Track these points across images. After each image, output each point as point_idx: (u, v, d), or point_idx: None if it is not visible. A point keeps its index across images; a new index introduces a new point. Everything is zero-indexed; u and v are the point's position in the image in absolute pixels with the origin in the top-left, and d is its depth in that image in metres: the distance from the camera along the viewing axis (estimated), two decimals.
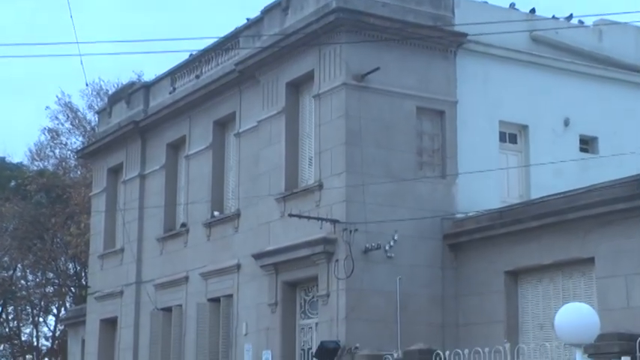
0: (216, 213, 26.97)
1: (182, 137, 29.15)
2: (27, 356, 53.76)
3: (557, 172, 23.65)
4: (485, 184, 23.00)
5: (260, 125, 25.08)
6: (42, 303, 52.68)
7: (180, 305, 27.92)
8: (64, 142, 50.07)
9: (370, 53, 22.43)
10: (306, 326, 23.23)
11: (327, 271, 21.84)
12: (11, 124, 74.11)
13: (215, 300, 26.27)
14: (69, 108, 49.23)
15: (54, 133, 49.89)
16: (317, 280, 22.23)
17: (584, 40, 25.78)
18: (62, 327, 48.00)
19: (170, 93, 30.12)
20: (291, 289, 23.49)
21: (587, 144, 25.40)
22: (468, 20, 23.30)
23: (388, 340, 21.16)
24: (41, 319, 53.96)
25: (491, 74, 24.04)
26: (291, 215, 22.61)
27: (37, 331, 53.73)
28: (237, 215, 25.91)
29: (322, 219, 21.88)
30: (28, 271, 51.39)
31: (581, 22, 26.23)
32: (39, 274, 51.07)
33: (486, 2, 24.69)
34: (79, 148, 41.89)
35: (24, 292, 51.85)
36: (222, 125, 27.64)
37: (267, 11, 25.32)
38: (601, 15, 25.15)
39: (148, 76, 40.20)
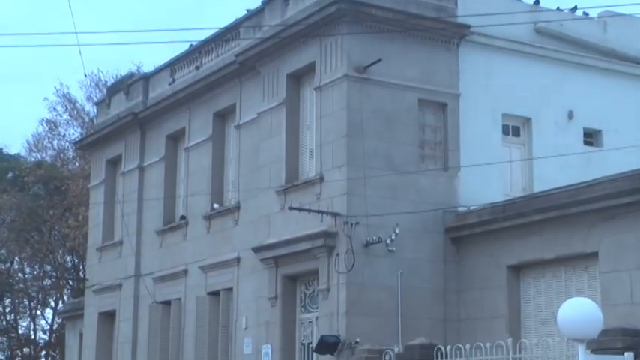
0: (215, 205, 26.98)
1: (182, 129, 29.14)
2: (24, 349, 53.81)
3: (560, 166, 23.64)
4: (487, 177, 23.00)
5: (260, 117, 25.07)
6: (40, 296, 52.72)
7: (180, 298, 27.95)
8: (62, 134, 50.11)
9: (372, 45, 22.41)
10: (306, 320, 23.25)
11: (327, 264, 21.86)
12: (9, 114, 74.13)
13: (214, 293, 26.29)
14: (67, 99, 49.23)
15: (52, 125, 49.89)
16: (317, 273, 22.25)
17: (588, 32, 25.76)
18: (60, 320, 48.04)
19: (170, 84, 30.11)
20: (292, 283, 23.51)
21: (591, 137, 25.40)
22: (471, 12, 23.28)
23: (389, 335, 21.19)
24: (39, 312, 54.04)
25: (494, 66, 24.02)
26: (291, 208, 22.62)
27: (35, 324, 53.79)
28: (237, 208, 25.92)
29: (323, 212, 21.89)
30: (25, 263, 51.43)
31: (585, 13, 26.22)
32: (36, 266, 51.11)
33: None
34: (77, 140, 41.85)
35: (21, 285, 51.88)
36: (222, 117, 27.64)
37: (267, 2, 25.30)
38: (606, 7, 25.09)
39: (148, 67, 40.20)
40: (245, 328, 24.84)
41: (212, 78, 27.26)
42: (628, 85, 25.86)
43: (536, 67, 24.59)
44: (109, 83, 42.82)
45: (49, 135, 50.53)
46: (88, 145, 34.87)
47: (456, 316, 22.14)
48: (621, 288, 18.70)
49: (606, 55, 25.80)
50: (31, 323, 53.81)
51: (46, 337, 53.89)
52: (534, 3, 25.29)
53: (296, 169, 23.89)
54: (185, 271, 27.77)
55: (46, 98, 49.52)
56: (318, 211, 21.98)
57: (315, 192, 22.60)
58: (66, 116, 49.45)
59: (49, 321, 53.53)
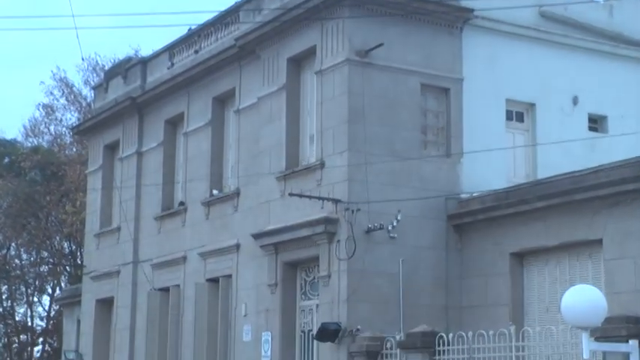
0: (215, 192, 27.00)
1: (180, 114, 29.14)
2: (21, 336, 53.92)
3: (564, 152, 23.64)
4: (491, 163, 23.01)
5: (260, 102, 25.06)
6: (36, 282, 52.79)
7: (178, 285, 27.99)
8: (59, 118, 50.08)
9: (374, 28, 22.38)
10: (306, 307, 23.29)
11: (328, 251, 21.89)
12: (5, 99, 74.13)
13: (214, 280, 26.34)
14: (64, 83, 49.19)
15: (49, 109, 49.86)
16: (318, 260, 22.28)
17: (594, 16, 25.70)
18: (57, 307, 48.14)
19: (168, 68, 30.09)
20: (292, 270, 23.55)
21: (596, 123, 25.39)
22: None
23: (390, 323, 21.23)
24: (36, 299, 54.10)
25: (498, 51, 23.99)
26: (291, 194, 22.63)
27: (32, 311, 53.87)
28: (236, 194, 25.94)
29: (324, 198, 21.91)
30: (22, 249, 51.48)
31: None
32: (33, 252, 51.16)
33: None
34: (74, 125, 41.88)
35: (18, 272, 51.95)
36: (222, 101, 27.63)
37: None
38: None
39: (146, 51, 40.19)
40: (245, 316, 24.89)
41: (211, 62, 27.23)
42: (634, 70, 25.84)
43: (541, 52, 24.56)
44: (106, 67, 42.76)
45: (46, 120, 50.54)
46: (86, 130, 34.87)
47: (458, 303, 22.18)
48: (626, 275, 18.73)
49: (612, 39, 25.76)
50: (28, 310, 53.91)
51: (43, 324, 53.98)
52: None
53: (296, 154, 23.89)
54: (184, 258, 27.82)
55: (42, 82, 49.46)
56: (319, 198, 22.00)
57: (315, 178, 22.61)
58: (63, 101, 49.45)
59: (46, 308, 53.65)
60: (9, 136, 53.62)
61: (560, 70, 24.71)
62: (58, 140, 50.00)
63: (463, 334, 18.79)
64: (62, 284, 50.12)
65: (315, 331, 22.02)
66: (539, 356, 18.14)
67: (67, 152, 48.80)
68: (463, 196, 22.62)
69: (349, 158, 21.77)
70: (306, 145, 23.81)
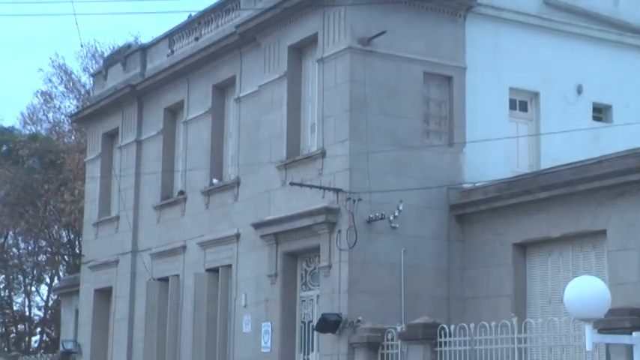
0: (215, 181, 27.01)
1: (180, 102, 29.13)
2: (19, 326, 54.04)
3: (568, 142, 23.62)
4: (493, 153, 23.00)
5: (261, 90, 25.05)
6: (34, 272, 52.90)
7: (178, 275, 28.02)
8: (57, 106, 50.13)
9: (376, 16, 22.36)
10: (307, 298, 23.32)
11: (329, 241, 21.90)
12: (3, 86, 74.11)
13: (213, 270, 26.36)
14: (63, 70, 49.22)
15: (47, 97, 49.90)
16: (319, 250, 22.29)
17: (599, 4, 25.67)
18: (55, 296, 48.24)
19: (168, 56, 30.07)
20: (292, 260, 23.57)
21: (601, 112, 25.37)
22: None
23: (391, 314, 21.25)
24: (33, 289, 54.23)
25: (501, 39, 23.97)
26: (292, 184, 22.64)
27: (30, 301, 54.01)
28: (236, 183, 25.94)
29: (325, 188, 21.91)
30: (19, 238, 51.59)
31: None
32: (31, 241, 51.25)
33: None
34: (73, 112, 41.87)
35: (16, 261, 52.05)
36: (222, 90, 27.62)
37: None
38: None
39: (145, 38, 40.27)
40: (244, 306, 24.92)
41: (212, 49, 27.21)
42: None
43: (545, 40, 24.53)
44: (105, 54, 42.76)
45: (44, 107, 50.59)
46: (84, 117, 34.86)
47: (460, 294, 22.20)
48: (630, 267, 18.74)
49: (618, 27, 25.71)
50: (26, 300, 54.06)
51: (40, 313, 54.13)
52: None
53: (297, 143, 23.89)
54: (183, 248, 27.84)
55: (40, 69, 49.61)
56: (320, 187, 22.00)
57: (316, 167, 22.61)
58: (61, 88, 49.51)
59: (44, 297, 53.79)
60: (7, 124, 53.80)
61: (564, 59, 24.68)
62: (57, 128, 50.06)
63: (465, 325, 18.82)
64: (60, 274, 50.21)
65: (315, 322, 22.05)
66: (542, 348, 18.19)
67: (65, 140, 48.85)
68: (465, 186, 22.62)
69: (351, 147, 21.76)
70: (307, 133, 23.80)
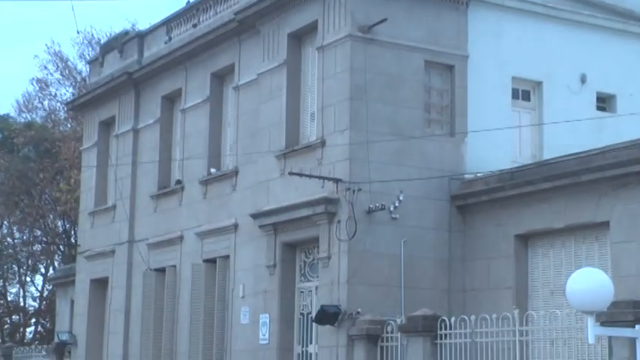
0: (213, 170, 27.01)
1: (178, 90, 29.12)
2: (13, 317, 54.08)
3: (571, 132, 23.62)
4: (496, 143, 23.00)
5: (260, 78, 25.04)
6: (29, 262, 52.93)
7: (175, 266, 28.05)
8: (53, 93, 50.10)
9: (377, 3, 22.34)
10: (305, 289, 23.35)
11: (328, 232, 21.92)
12: None
13: (211, 261, 26.39)
14: (59, 57, 49.17)
15: (43, 84, 49.87)
16: (318, 241, 22.31)
17: None
18: (50, 287, 48.28)
19: (166, 43, 30.05)
20: (291, 251, 23.60)
21: (605, 102, 25.37)
22: None
23: (391, 305, 21.28)
24: (28, 279, 54.31)
25: (504, 27, 23.95)
26: (291, 173, 22.64)
27: (24, 291, 54.08)
28: (235, 172, 25.95)
29: (324, 178, 21.92)
30: (14, 228, 51.59)
31: None
32: (26, 231, 51.27)
33: None
34: (69, 100, 41.86)
35: (10, 251, 52.07)
36: (220, 78, 27.60)
37: None
38: None
39: (143, 25, 40.18)
40: (242, 297, 24.95)
41: (210, 37, 27.19)
42: None
43: (549, 29, 24.51)
44: (102, 41, 42.73)
45: (40, 95, 50.55)
46: (81, 105, 34.84)
47: (460, 286, 22.23)
48: (633, 259, 18.75)
49: (622, 16, 25.69)
50: (21, 290, 54.11)
51: (35, 304, 54.17)
52: None
53: (297, 132, 23.89)
54: (180, 238, 27.86)
55: (36, 56, 49.53)
56: (319, 177, 22.02)
57: (316, 157, 22.62)
58: (57, 75, 49.47)
59: (39, 288, 53.82)
60: (2, 112, 53.69)
61: (568, 48, 24.67)
62: (52, 116, 50.04)
63: (466, 317, 18.84)
64: (55, 264, 50.24)
65: (314, 314, 22.08)
66: (544, 341, 18.24)
67: (61, 128, 48.85)
68: (467, 176, 22.64)
69: (351, 137, 21.76)
70: (307, 122, 23.81)
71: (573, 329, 17.21)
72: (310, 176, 22.22)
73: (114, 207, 31.48)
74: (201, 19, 28.48)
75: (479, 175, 22.42)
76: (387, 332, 20.46)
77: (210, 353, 25.85)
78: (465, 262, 22.30)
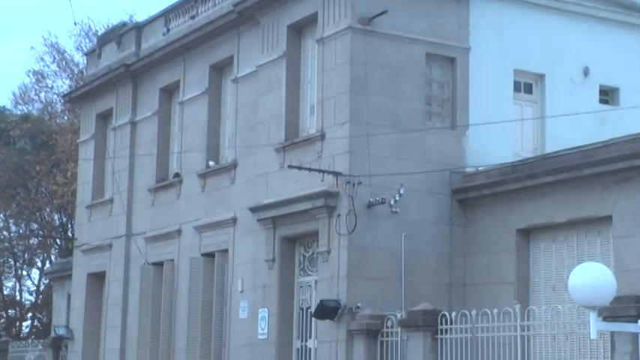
0: (211, 163, 27.02)
1: (176, 82, 29.11)
2: (9, 311, 54.12)
3: (574, 125, 23.64)
4: (497, 136, 23.01)
5: (259, 70, 25.04)
6: (25, 255, 52.95)
7: (173, 260, 28.07)
8: (50, 85, 50.08)
9: None
10: (305, 284, 23.37)
11: (328, 226, 21.93)
12: None
13: (209, 255, 26.40)
14: (55, 49, 49.14)
15: (39, 76, 49.85)
16: (317, 235, 22.33)
17: None
18: (47, 281, 48.33)
19: (164, 34, 30.04)
20: (290, 245, 23.61)
21: (608, 95, 25.37)
22: None
23: (391, 300, 21.30)
24: (25, 273, 54.29)
25: (506, 19, 23.94)
26: (290, 166, 22.64)
27: (21, 285, 54.08)
28: (233, 166, 25.96)
29: (324, 171, 21.92)
30: (10, 221, 51.59)
31: None
32: (22, 224, 51.28)
33: None
34: (66, 92, 41.82)
35: (6, 244, 52.08)
36: (219, 70, 27.60)
37: None
38: None
39: (141, 17, 40.16)
40: (241, 292, 24.97)
41: (208, 28, 27.17)
42: None
43: (551, 21, 24.50)
44: (99, 33, 42.71)
45: (36, 87, 50.53)
46: (78, 97, 34.83)
47: (461, 281, 22.25)
48: (636, 253, 18.77)
49: (626, 8, 25.66)
50: (17, 284, 54.13)
51: (32, 298, 54.21)
52: None
53: (296, 125, 23.90)
54: (178, 232, 27.87)
55: (33, 48, 49.54)
56: (319, 170, 22.02)
57: (315, 150, 22.62)
58: (54, 67, 49.44)
59: (36, 282, 53.86)
60: None
61: (570, 40, 24.66)
62: (49, 108, 50.02)
63: (466, 312, 18.86)
64: (52, 257, 50.26)
65: (313, 309, 22.10)
66: (545, 336, 18.26)
67: (58, 121, 48.83)
68: (468, 169, 22.64)
69: (351, 129, 21.77)
70: (307, 115, 23.81)
71: (575, 324, 17.24)
72: (310, 169, 22.23)
73: (111, 200, 31.49)
74: (199, 11, 28.46)
75: (480, 168, 22.43)
76: (387, 327, 20.49)
77: (209, 348, 25.88)
78: (466, 257, 22.32)
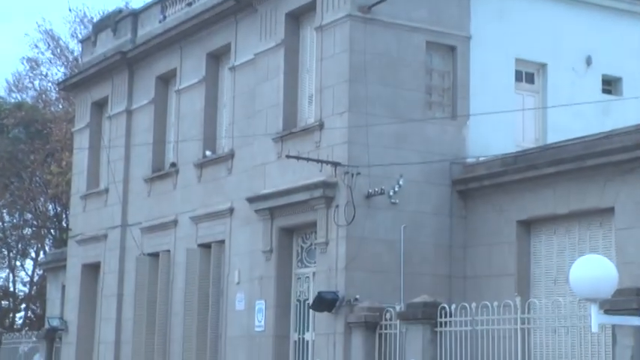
0: (208, 153, 27.02)
1: (172, 70, 29.10)
2: (3, 302, 54.14)
3: (576, 115, 23.64)
4: (498, 126, 23.01)
5: (257, 58, 25.02)
6: (19, 246, 52.94)
7: (169, 250, 28.08)
8: (44, 73, 50.05)
9: None
10: (302, 275, 23.39)
11: (326, 217, 21.94)
12: None
13: (206, 246, 26.42)
14: (50, 36, 49.10)
15: (33, 63, 49.82)
16: (315, 226, 22.34)
17: None
18: (41, 272, 48.31)
19: (160, 22, 30.01)
20: (288, 236, 23.62)
21: (610, 85, 25.37)
22: None
23: (390, 292, 21.32)
24: (18, 263, 54.29)
25: (507, 7, 23.93)
26: (288, 156, 22.64)
27: (14, 276, 54.08)
28: (230, 155, 25.96)
29: (322, 161, 21.92)
30: (4, 211, 51.58)
31: None
32: (16, 214, 51.27)
33: None
34: (60, 80, 41.80)
35: (0, 234, 52.06)
36: (216, 58, 27.58)
37: None
38: None
39: (137, 3, 40.12)
40: (238, 283, 24.99)
41: (206, 16, 27.15)
42: None
43: (553, 9, 24.48)
44: (95, 19, 42.66)
45: (30, 74, 50.50)
46: (73, 85, 34.81)
47: (461, 273, 22.27)
48: (638, 245, 18.76)
49: None
50: (10, 275, 54.12)
51: (25, 289, 54.22)
52: None
53: (294, 114, 23.89)
54: (175, 222, 27.89)
55: (27, 35, 49.38)
56: (317, 160, 22.01)
57: (314, 139, 22.62)
58: (48, 54, 49.41)
59: (29, 273, 53.85)
60: None
61: (573, 29, 24.64)
62: (43, 96, 49.97)
63: (466, 305, 18.88)
64: (46, 248, 50.25)
65: (311, 301, 22.12)
66: (546, 329, 18.27)
67: (52, 109, 48.80)
68: (469, 160, 22.65)
69: (349, 119, 21.76)
70: (305, 104, 23.80)
71: (576, 317, 17.26)
72: (308, 159, 22.22)
73: (106, 190, 31.49)
74: None
75: (481, 159, 22.44)
76: (386, 319, 20.51)
77: (205, 340, 25.90)
78: (466, 249, 22.34)
